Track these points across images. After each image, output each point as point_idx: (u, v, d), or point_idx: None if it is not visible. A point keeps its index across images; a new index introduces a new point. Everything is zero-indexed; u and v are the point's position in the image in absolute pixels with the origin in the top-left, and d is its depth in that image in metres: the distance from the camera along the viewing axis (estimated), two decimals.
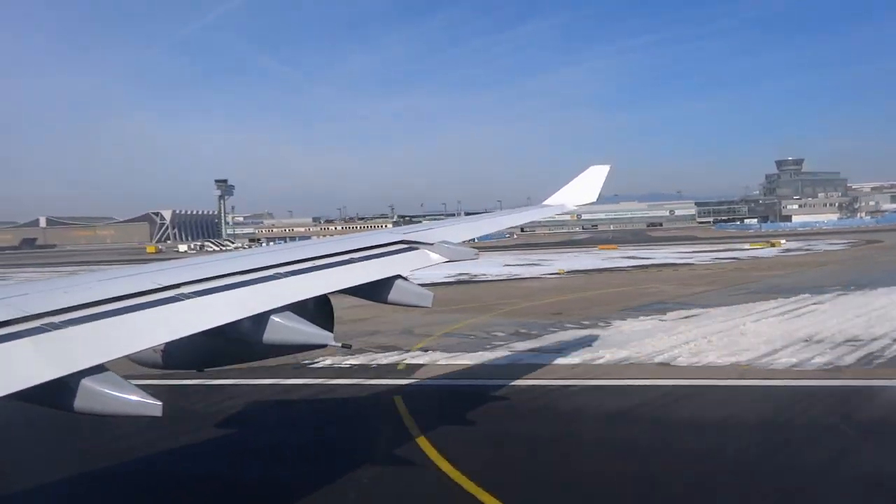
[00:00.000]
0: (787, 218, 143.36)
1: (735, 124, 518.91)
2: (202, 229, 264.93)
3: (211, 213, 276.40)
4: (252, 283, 5.10)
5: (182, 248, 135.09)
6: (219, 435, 10.99)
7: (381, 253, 6.48)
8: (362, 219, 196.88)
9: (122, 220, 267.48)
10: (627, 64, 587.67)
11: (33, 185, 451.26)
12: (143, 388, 3.70)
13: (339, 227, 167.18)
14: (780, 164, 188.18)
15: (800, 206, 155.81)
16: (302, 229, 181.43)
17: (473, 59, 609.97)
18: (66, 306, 4.02)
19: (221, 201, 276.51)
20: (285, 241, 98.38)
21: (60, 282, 4.94)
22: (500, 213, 11.98)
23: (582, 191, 10.23)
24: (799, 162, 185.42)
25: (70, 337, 3.76)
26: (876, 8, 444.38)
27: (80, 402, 3.59)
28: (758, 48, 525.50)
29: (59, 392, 3.54)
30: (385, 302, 6.03)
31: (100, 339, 3.87)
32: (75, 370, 3.54)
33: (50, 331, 3.73)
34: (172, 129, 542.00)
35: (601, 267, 46.64)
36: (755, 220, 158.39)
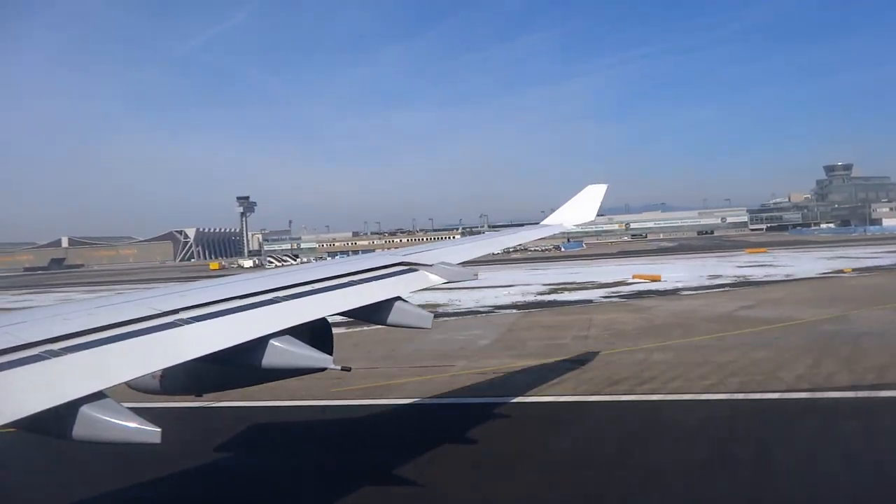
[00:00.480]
0: (877, 221, 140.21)
1: (753, 132, 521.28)
2: (225, 247, 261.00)
3: (233, 230, 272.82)
4: (250, 308, 5.05)
5: (247, 263, 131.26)
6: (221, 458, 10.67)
7: (381, 275, 6.46)
8: (423, 230, 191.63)
9: (143, 239, 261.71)
10: (629, 74, 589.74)
11: (46, 206, 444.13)
12: (142, 411, 3.68)
13: (404, 240, 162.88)
14: (828, 169, 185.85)
15: (891, 208, 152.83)
16: (365, 242, 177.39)
17: (482, 68, 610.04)
18: (64, 333, 3.99)
19: (244, 218, 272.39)
20: (348, 255, 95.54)
21: (59, 308, 4.86)
22: (498, 234, 12.15)
23: (580, 210, 10.36)
24: (848, 167, 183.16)
25: (68, 365, 3.72)
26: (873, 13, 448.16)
27: (78, 430, 3.55)
28: (768, 54, 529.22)
29: (57, 420, 3.50)
30: (384, 324, 5.97)
31: (98, 366, 3.83)
32: (73, 398, 3.50)
33: (48, 359, 3.70)
34: (182, 149, 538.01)
35: (857, 267, 42.44)
36: (831, 224, 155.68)
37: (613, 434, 10.83)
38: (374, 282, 6.23)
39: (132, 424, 3.57)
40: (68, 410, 3.49)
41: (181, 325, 4.47)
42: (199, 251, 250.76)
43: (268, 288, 5.42)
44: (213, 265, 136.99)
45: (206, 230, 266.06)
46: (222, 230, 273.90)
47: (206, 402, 11.26)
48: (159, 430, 3.55)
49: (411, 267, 6.73)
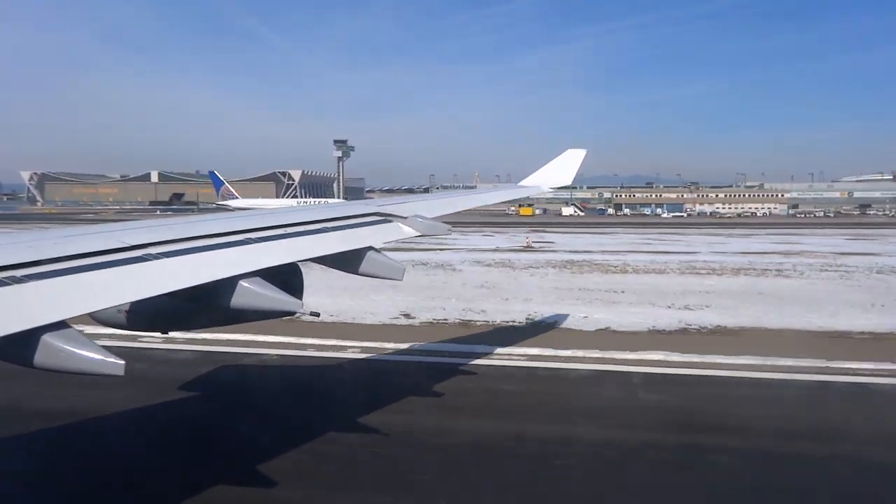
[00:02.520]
0: None
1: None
2: (324, 192, 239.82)
3: (333, 174, 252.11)
4: (221, 247, 5.02)
5: (567, 211, 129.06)
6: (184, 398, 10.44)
7: (355, 224, 6.47)
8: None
9: (243, 178, 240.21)
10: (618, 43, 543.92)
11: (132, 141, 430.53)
12: (106, 348, 3.63)
13: None
14: None
15: None
16: None
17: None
18: (28, 261, 3.93)
19: (340, 162, 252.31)
20: None
21: (23, 235, 4.82)
22: (476, 192, 12.92)
23: (558, 173, 10.29)
24: None
25: (31, 292, 3.68)
26: None
27: (40, 358, 3.50)
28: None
29: (18, 347, 3.45)
30: (356, 273, 5.97)
31: (62, 295, 3.78)
32: (35, 325, 3.47)
33: (10, 284, 3.64)
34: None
35: None
36: None
37: None
38: (347, 230, 6.22)
39: (96, 356, 3.49)
40: (30, 338, 3.43)
41: (149, 260, 4.42)
42: (302, 194, 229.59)
43: (239, 229, 5.43)
44: (525, 211, 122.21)
45: (311, 173, 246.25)
46: (324, 174, 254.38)
47: (173, 344, 11.86)
48: (123, 362, 3.48)
49: (386, 218, 6.76)
